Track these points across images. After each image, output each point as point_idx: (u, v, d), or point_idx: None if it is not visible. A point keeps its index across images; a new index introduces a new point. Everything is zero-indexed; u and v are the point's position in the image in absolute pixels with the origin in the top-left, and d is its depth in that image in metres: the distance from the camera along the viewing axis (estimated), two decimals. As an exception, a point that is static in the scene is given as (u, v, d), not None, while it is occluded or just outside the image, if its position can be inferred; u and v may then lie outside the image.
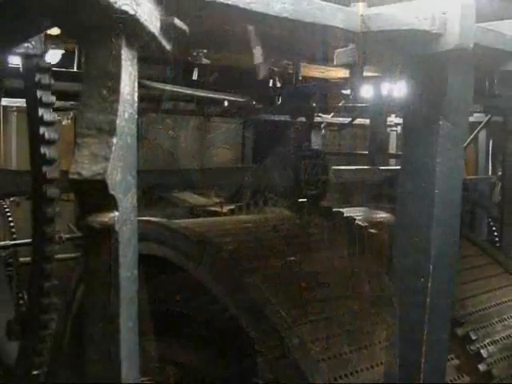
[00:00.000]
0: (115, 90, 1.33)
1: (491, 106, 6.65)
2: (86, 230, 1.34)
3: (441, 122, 1.87)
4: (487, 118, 7.99)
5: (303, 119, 7.68)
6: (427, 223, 1.88)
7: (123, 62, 1.34)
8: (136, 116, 1.43)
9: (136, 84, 1.43)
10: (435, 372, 2.02)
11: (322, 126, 8.20)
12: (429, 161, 1.89)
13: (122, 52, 1.33)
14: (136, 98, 1.42)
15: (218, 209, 7.27)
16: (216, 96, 5.86)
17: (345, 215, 3.58)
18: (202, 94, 5.92)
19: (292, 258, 3.16)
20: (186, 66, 6.77)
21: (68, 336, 3.89)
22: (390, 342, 2.02)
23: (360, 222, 3.57)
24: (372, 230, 3.39)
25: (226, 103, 5.99)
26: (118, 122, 1.32)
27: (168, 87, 5.74)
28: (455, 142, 1.93)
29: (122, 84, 1.35)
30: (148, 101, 8.40)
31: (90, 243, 1.35)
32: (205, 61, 5.89)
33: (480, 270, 3.82)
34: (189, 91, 5.75)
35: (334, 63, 2.08)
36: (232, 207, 4.40)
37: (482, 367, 3.00)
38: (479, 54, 1.87)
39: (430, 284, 1.89)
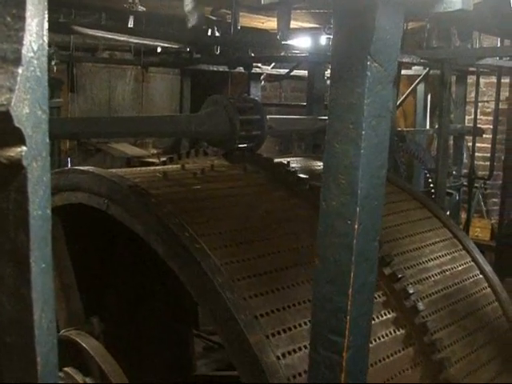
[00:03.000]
0: (20, 18, 1.24)
1: (429, 59, 6.69)
2: (-9, 165, 1.27)
3: (368, 63, 1.84)
4: (425, 72, 8.06)
5: (242, 70, 7.62)
6: (354, 165, 1.86)
7: (29, -12, 1.25)
8: (46, 48, 1.35)
9: (46, 14, 1.35)
10: (362, 314, 2.02)
11: (262, 77, 8.15)
12: (356, 101, 1.86)
13: (28, -24, 1.25)
14: (46, 29, 1.34)
15: (155, 159, 7.21)
16: (150, 43, 5.74)
17: (281, 163, 3.60)
18: (136, 41, 5.78)
19: (197, 187, 3.25)
20: (121, 14, 6.61)
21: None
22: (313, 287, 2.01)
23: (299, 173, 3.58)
24: (305, 176, 3.41)
25: (159, 49, 5.87)
26: (24, 51, 1.25)
27: (101, 34, 5.60)
28: (383, 82, 1.90)
29: (29, 12, 1.26)
30: (83, 50, 8.22)
31: (-3, 180, 1.28)
32: (141, 8, 5.75)
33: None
34: (123, 38, 5.62)
35: (262, 2, 2.04)
36: (168, 157, 4.35)
37: (386, 271, 3.15)
38: (408, -6, 1.84)
39: (356, 226, 1.88)
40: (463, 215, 8.94)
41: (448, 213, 7.42)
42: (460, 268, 3.76)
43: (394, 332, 3.03)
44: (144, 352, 4.48)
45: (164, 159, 4.36)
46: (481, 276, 3.84)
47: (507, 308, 3.77)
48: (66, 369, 3.03)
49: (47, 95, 1.38)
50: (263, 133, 3.80)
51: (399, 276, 3.16)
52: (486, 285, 3.82)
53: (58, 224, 3.34)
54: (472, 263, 3.86)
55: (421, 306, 3.14)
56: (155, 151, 8.51)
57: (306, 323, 2.69)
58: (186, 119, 3.70)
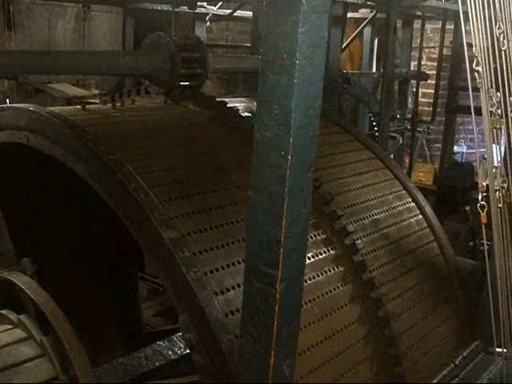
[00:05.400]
0: None
1: (375, 0, 6.66)
2: None
3: (303, -9, 1.80)
4: (372, 14, 8.04)
5: (186, 9, 7.45)
6: (287, 95, 1.83)
7: None
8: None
9: None
10: (296, 246, 2.02)
11: (207, 17, 8.00)
12: (291, 30, 1.82)
13: None
14: None
15: (96, 100, 7.05)
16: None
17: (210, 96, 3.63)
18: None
19: (115, 115, 3.36)
20: None
21: None
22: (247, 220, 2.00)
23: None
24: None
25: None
26: None
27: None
28: (319, 12, 1.86)
29: None
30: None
31: None
32: None
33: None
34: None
35: None
36: (109, 97, 4.26)
37: (325, 208, 3.28)
38: None
39: (289, 157, 1.86)
40: (407, 160, 9.03)
41: (392, 156, 7.49)
42: (382, 184, 3.95)
43: (319, 245, 3.15)
44: (86, 295, 4.45)
45: (105, 98, 4.27)
46: (404, 191, 4.03)
47: (431, 220, 3.98)
48: (-1, 311, 2.99)
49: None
50: (204, 78, 3.78)
51: (317, 184, 3.29)
52: (410, 199, 4.01)
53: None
54: (395, 180, 4.06)
55: (340, 211, 3.29)
56: (97, 91, 8.33)
57: (233, 242, 2.79)
58: (124, 55, 3.62)
